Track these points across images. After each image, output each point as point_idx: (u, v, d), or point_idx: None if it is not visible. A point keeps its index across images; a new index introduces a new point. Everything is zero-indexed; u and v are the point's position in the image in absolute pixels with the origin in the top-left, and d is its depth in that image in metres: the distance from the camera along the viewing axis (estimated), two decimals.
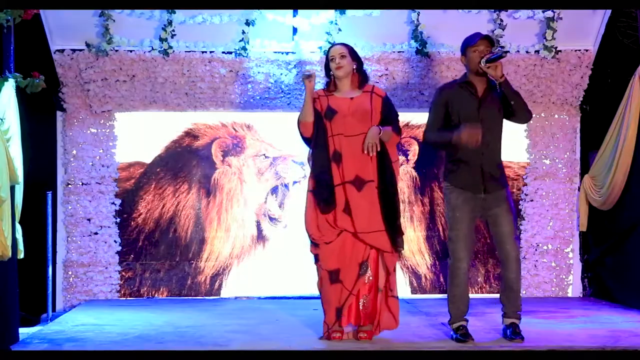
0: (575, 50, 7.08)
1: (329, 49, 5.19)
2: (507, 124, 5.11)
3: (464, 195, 4.98)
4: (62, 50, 6.77)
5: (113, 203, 6.95)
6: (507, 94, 4.96)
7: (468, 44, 5.01)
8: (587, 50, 7.09)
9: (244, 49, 6.85)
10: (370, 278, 5.01)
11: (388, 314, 5.05)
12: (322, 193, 4.97)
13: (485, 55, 4.91)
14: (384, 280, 5.04)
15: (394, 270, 5.07)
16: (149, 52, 6.81)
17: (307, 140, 5.12)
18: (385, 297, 5.05)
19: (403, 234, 5.06)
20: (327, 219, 4.97)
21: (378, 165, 5.02)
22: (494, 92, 5.02)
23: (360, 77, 5.14)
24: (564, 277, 7.19)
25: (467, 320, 5.06)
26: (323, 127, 5.03)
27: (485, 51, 4.94)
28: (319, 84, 6.83)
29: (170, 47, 6.79)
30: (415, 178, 7.19)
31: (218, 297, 7.05)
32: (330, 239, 4.98)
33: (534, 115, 7.13)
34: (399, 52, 6.99)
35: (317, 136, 5.04)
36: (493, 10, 6.81)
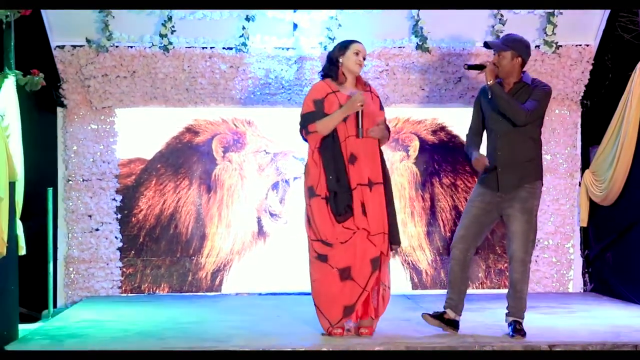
0: (576, 45, 7.06)
1: (354, 42, 5.14)
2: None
3: (479, 190, 5.15)
4: (63, 47, 6.76)
5: (114, 199, 6.95)
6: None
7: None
8: (587, 45, 7.07)
9: (244, 44, 6.83)
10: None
11: (382, 305, 5.11)
12: (341, 201, 4.94)
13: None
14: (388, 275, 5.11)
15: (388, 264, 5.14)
16: (149, 48, 6.80)
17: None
18: (383, 290, 5.10)
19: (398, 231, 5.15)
20: (344, 222, 4.96)
21: (382, 167, 5.08)
22: (515, 94, 5.06)
23: (362, 78, 5.23)
24: (564, 272, 7.18)
25: (455, 313, 5.09)
26: (335, 130, 4.99)
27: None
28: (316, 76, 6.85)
29: (171, 43, 6.78)
30: (416, 174, 7.18)
31: (219, 293, 7.05)
32: (346, 238, 4.97)
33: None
34: (399, 47, 6.97)
35: (326, 139, 5.00)
36: None
